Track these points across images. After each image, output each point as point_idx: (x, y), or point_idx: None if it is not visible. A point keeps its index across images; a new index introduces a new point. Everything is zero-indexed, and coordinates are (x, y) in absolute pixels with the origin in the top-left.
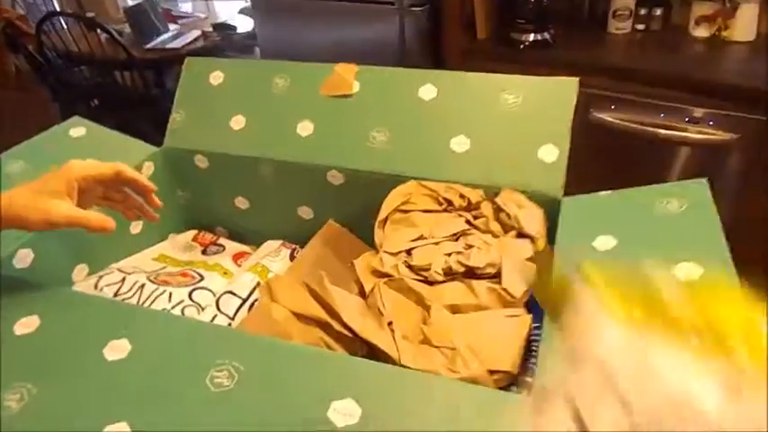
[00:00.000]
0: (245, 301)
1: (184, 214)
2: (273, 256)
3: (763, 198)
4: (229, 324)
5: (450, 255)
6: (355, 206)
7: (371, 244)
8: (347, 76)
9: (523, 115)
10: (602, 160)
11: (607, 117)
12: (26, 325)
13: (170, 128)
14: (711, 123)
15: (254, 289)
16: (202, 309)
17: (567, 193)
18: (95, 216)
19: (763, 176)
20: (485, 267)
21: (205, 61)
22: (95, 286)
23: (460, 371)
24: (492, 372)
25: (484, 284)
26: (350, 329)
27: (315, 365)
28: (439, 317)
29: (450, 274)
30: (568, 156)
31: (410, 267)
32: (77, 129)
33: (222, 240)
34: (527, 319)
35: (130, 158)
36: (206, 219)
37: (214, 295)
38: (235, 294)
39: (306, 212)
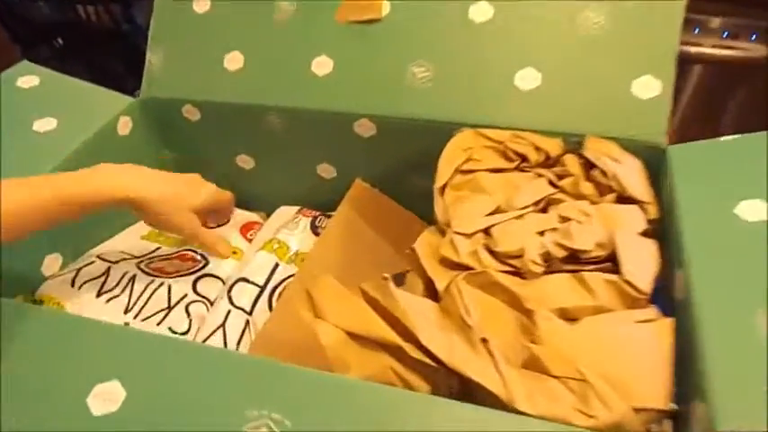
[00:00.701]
0: (262, 289)
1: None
2: (291, 229)
3: None
4: (247, 321)
5: (543, 233)
6: (391, 162)
7: (412, 210)
8: None
9: (611, 39)
10: None
11: None
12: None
13: (147, 72)
14: (754, 37)
15: (273, 273)
16: (211, 303)
17: None
18: (222, 244)
19: None
20: (593, 250)
21: None
22: (72, 283)
23: (598, 414)
24: (638, 410)
25: (599, 277)
26: (432, 356)
27: (390, 414)
28: (550, 329)
29: (547, 261)
30: None
31: (493, 254)
32: (27, 78)
33: None
34: (667, 324)
35: (100, 113)
36: None
37: (224, 284)
38: (249, 282)
39: (327, 171)
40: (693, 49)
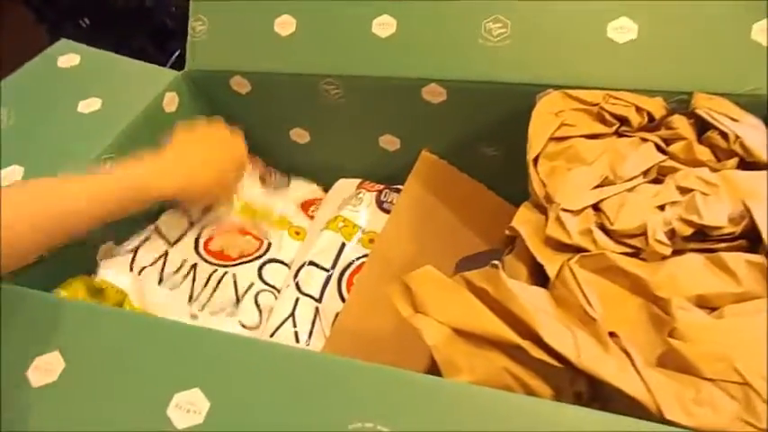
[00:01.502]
0: (330, 273)
1: None
2: (355, 205)
3: None
4: (317, 309)
5: (663, 208)
6: (463, 130)
7: (485, 182)
8: None
9: None
10: None
11: None
12: (44, 368)
13: (191, 43)
14: None
15: (340, 254)
16: (278, 292)
17: None
18: None
19: None
20: (726, 226)
21: None
22: (131, 267)
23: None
24: None
25: (740, 258)
26: (558, 356)
27: (510, 422)
28: (691, 320)
29: (671, 240)
30: None
31: (608, 233)
32: (68, 56)
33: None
34: None
35: (145, 90)
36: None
37: (289, 269)
38: (317, 265)
39: (390, 142)
40: None
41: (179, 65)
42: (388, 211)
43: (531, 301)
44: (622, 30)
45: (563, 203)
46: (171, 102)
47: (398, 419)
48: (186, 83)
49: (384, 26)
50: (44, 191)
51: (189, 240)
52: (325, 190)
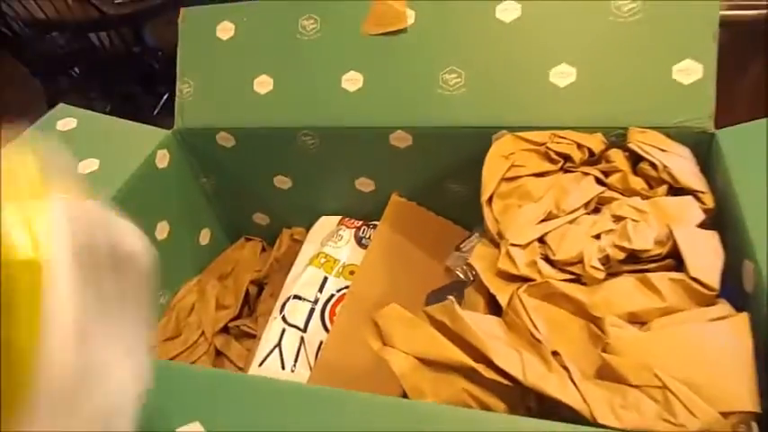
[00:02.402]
0: (314, 305)
1: (214, 204)
2: (336, 241)
3: None
4: (301, 339)
5: (599, 236)
6: (429, 171)
7: (451, 217)
8: (397, 4)
9: (647, 24)
10: None
11: None
12: None
13: (179, 103)
14: None
15: (323, 287)
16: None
17: None
18: None
19: None
20: (652, 249)
21: (206, 11)
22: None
23: (686, 423)
24: (726, 414)
25: (664, 277)
26: (508, 376)
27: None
28: (621, 336)
29: (605, 265)
30: None
31: (551, 263)
32: (66, 120)
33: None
34: (742, 320)
35: (138, 149)
36: (241, 206)
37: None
38: (301, 298)
39: (366, 185)
40: None
41: (169, 106)
42: (365, 246)
43: (484, 329)
44: (563, 74)
45: (511, 239)
46: (163, 158)
47: None
48: (176, 140)
49: (352, 81)
50: None
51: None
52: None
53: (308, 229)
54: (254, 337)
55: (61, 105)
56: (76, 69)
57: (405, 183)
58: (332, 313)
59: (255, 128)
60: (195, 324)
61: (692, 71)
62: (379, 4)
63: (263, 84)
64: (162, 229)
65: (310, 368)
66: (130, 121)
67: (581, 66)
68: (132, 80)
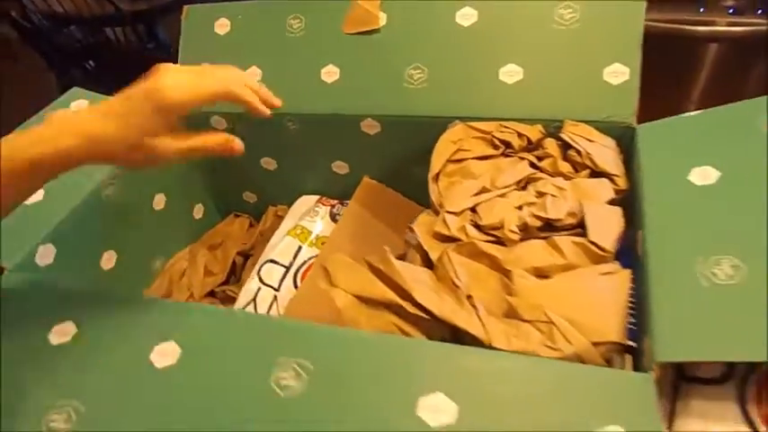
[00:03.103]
0: (287, 269)
1: (209, 181)
2: (312, 216)
3: None
4: (275, 297)
5: (521, 208)
6: (395, 155)
7: (416, 196)
8: (371, 7)
9: (583, 32)
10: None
11: None
12: (62, 332)
13: None
14: (760, 12)
15: (297, 255)
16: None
17: None
18: (214, 138)
19: None
20: (565, 218)
21: (206, 8)
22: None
23: (563, 348)
24: (597, 344)
25: (568, 240)
26: (426, 311)
27: (394, 356)
28: (524, 284)
29: (524, 230)
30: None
31: (479, 227)
32: (79, 101)
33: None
34: (625, 275)
35: None
36: (232, 184)
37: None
38: (277, 263)
39: (341, 167)
40: (702, 28)
41: None
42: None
43: (412, 276)
44: (511, 73)
45: (448, 207)
46: None
47: (314, 356)
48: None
49: (330, 74)
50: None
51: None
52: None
53: (290, 207)
54: (236, 300)
55: (75, 89)
56: (91, 62)
57: (375, 166)
58: (303, 276)
59: (244, 113)
60: (185, 286)
61: (620, 73)
62: (356, 7)
63: (254, 74)
64: (159, 201)
65: None
66: None
67: (527, 66)
68: (144, 74)
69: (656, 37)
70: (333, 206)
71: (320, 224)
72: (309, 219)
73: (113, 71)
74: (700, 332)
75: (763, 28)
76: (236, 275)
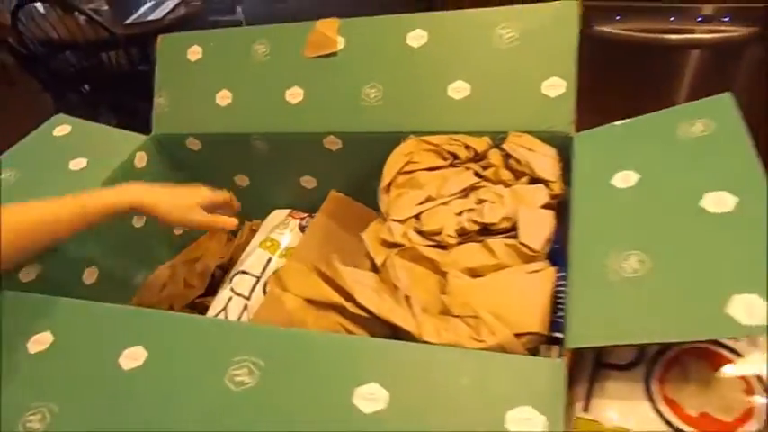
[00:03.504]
0: (258, 279)
1: None
2: (281, 229)
3: None
4: (245, 305)
5: (461, 214)
6: (358, 169)
7: (376, 207)
8: (329, 32)
9: (522, 49)
10: (613, 75)
11: (612, 29)
12: (39, 342)
13: (155, 113)
14: (726, 19)
15: (267, 265)
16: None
17: (583, 124)
18: (221, 219)
19: None
20: (500, 222)
21: (179, 37)
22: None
23: (486, 339)
24: (519, 335)
25: (500, 242)
26: (367, 310)
27: (334, 352)
28: (457, 283)
29: (464, 235)
30: (578, 82)
31: (421, 233)
32: (61, 127)
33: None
34: (551, 272)
35: (121, 151)
36: None
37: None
38: (248, 273)
39: (308, 182)
40: (679, 36)
41: None
42: None
43: (356, 279)
44: (459, 90)
45: (393, 216)
46: (141, 159)
47: (265, 354)
48: (153, 144)
49: (294, 95)
50: (24, 206)
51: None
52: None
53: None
54: None
55: (59, 115)
56: (86, 86)
57: (340, 179)
58: None
59: (217, 133)
60: (166, 299)
61: (557, 86)
62: (315, 33)
63: (224, 97)
64: (138, 219)
65: None
66: (116, 128)
67: (473, 82)
68: (139, 96)
69: (635, 46)
70: (302, 219)
71: (289, 236)
72: (279, 231)
73: (108, 93)
74: (605, 321)
75: (737, 34)
76: (214, 288)
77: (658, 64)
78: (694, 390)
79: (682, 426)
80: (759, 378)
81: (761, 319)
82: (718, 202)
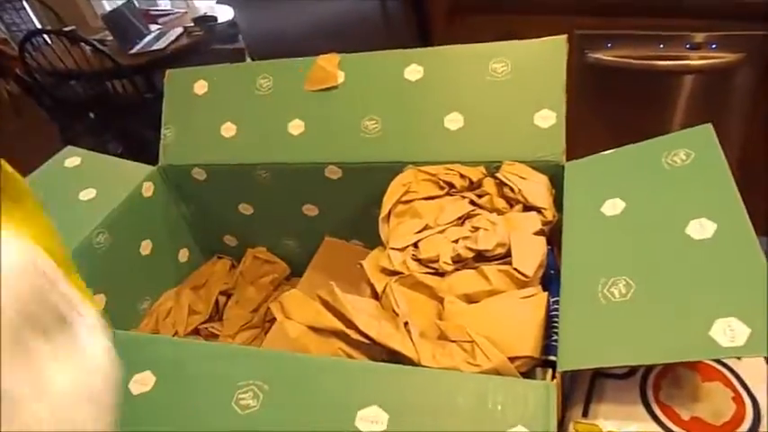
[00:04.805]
0: None
1: (191, 227)
2: None
3: None
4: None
5: (457, 241)
6: (358, 198)
7: (376, 234)
8: (330, 67)
9: (515, 83)
10: (605, 102)
11: (603, 56)
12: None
13: (163, 145)
14: (714, 47)
15: None
16: None
17: (575, 152)
18: None
19: None
20: (494, 249)
21: (186, 72)
22: None
23: (481, 363)
24: (513, 359)
25: (494, 268)
26: (367, 336)
27: (336, 376)
28: (453, 309)
29: (459, 262)
30: (568, 110)
31: (419, 261)
32: (72, 159)
33: None
34: (543, 297)
35: (129, 181)
36: (213, 229)
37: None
38: None
39: (311, 210)
40: (664, 63)
41: None
42: None
43: (357, 306)
44: (454, 121)
45: (393, 245)
46: (148, 189)
47: (269, 378)
48: (159, 174)
49: (296, 127)
50: None
51: None
52: (269, 249)
53: (268, 248)
54: (218, 337)
55: (69, 147)
56: (92, 114)
57: (340, 208)
58: None
59: (222, 164)
60: (170, 325)
61: (548, 118)
62: (316, 68)
63: (229, 129)
64: (146, 247)
65: None
66: (124, 159)
67: (467, 114)
68: (144, 124)
69: (627, 72)
70: None
71: None
72: None
73: (114, 121)
74: (595, 344)
75: (725, 60)
76: (218, 313)
77: (651, 89)
78: (686, 396)
79: (675, 428)
80: (744, 386)
81: (741, 341)
82: (701, 228)
